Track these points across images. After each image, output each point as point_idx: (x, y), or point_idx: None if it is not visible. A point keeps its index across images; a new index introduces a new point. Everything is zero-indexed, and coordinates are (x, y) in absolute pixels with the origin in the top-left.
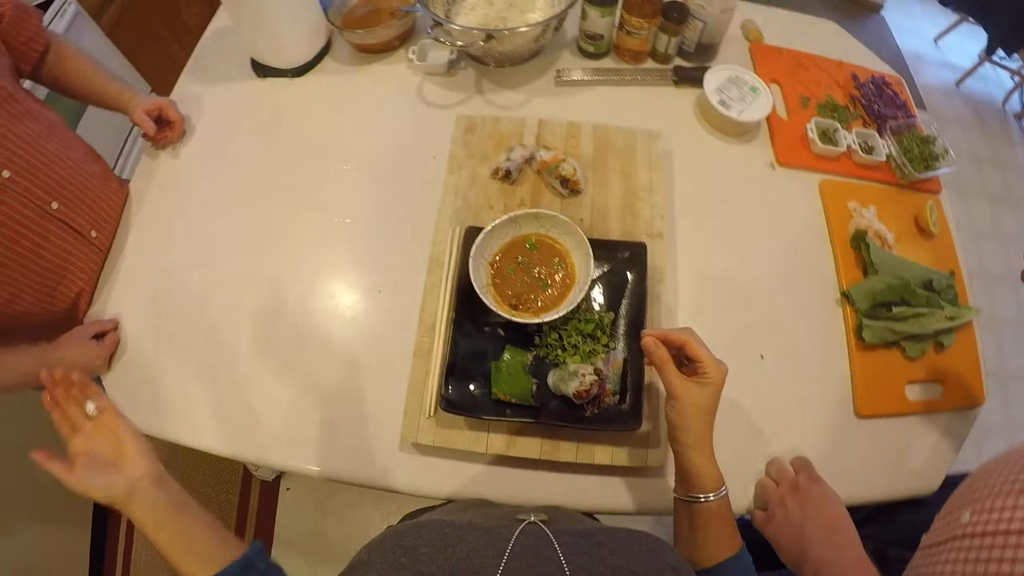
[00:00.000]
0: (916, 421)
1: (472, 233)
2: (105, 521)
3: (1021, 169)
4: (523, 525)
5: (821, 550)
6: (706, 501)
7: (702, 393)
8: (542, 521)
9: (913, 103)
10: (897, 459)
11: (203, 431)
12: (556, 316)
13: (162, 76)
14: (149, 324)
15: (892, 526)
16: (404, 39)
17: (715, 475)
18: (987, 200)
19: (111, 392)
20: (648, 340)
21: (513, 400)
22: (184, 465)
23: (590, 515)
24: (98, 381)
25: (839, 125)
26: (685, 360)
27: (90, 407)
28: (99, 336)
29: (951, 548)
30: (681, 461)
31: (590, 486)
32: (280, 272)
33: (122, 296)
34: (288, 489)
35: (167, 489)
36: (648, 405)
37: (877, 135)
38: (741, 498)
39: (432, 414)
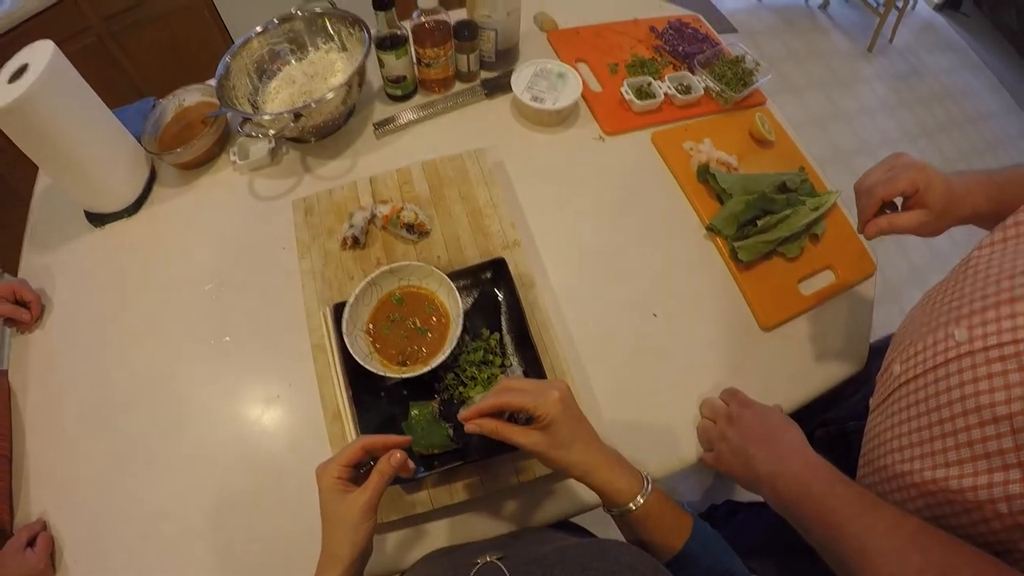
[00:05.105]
0: (821, 310)
1: (338, 309)
2: None
3: (838, 51)
4: (477, 567)
5: (768, 466)
6: (635, 509)
7: (550, 435)
8: (498, 559)
9: (715, 33)
10: (818, 350)
11: None
12: (444, 357)
13: (6, 253)
14: (76, 511)
15: (848, 405)
16: (222, 144)
17: (628, 482)
18: (819, 89)
19: None
20: (470, 427)
21: (436, 451)
22: None
23: (565, 522)
24: None
25: (651, 78)
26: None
27: None
28: (33, 542)
29: (892, 401)
30: (589, 486)
31: (544, 497)
32: (179, 414)
33: (40, 493)
34: None
35: None
36: None
37: (689, 74)
38: (689, 447)
39: None
